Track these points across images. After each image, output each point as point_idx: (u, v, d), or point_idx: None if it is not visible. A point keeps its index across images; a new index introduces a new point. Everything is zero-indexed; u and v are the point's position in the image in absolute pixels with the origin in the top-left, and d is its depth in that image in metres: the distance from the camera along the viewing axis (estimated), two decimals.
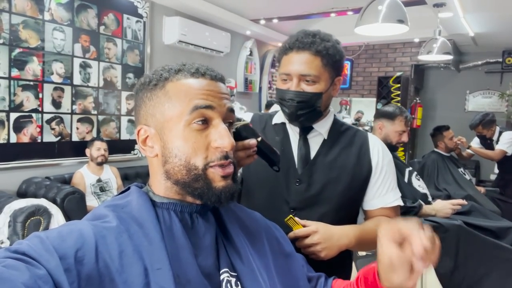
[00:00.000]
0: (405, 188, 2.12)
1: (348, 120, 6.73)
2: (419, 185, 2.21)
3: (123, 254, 0.57)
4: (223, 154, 0.65)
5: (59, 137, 3.20)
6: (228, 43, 4.77)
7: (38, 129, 3.05)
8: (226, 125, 0.67)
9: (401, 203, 1.16)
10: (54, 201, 2.60)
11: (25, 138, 2.96)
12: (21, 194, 2.88)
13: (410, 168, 2.29)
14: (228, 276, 0.65)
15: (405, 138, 2.17)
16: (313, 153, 1.10)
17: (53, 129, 3.15)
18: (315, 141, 1.12)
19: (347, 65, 6.32)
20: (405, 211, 1.99)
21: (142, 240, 0.59)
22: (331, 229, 0.98)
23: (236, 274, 0.66)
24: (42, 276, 0.48)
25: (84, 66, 3.35)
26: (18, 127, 2.92)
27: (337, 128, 1.14)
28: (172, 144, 0.65)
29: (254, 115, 1.21)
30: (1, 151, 2.82)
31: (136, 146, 3.61)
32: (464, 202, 2.12)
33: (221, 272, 0.65)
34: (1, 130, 2.82)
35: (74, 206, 2.66)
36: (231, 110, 0.68)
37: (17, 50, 2.87)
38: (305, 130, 1.11)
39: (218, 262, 0.66)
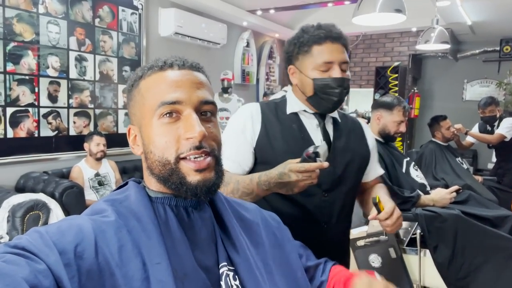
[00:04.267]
0: (402, 178, 2.13)
1: (347, 110, 6.73)
2: (417, 175, 2.22)
3: (122, 249, 0.57)
4: (195, 144, 0.63)
5: (56, 132, 3.19)
6: (225, 34, 4.74)
7: (35, 124, 3.04)
8: (205, 115, 0.66)
9: (383, 172, 1.38)
10: (52, 195, 2.60)
11: (22, 132, 2.95)
12: (19, 189, 2.88)
13: (408, 159, 2.29)
14: (227, 270, 0.65)
15: (403, 128, 2.17)
16: (320, 136, 1.18)
17: (50, 123, 3.14)
18: (328, 127, 1.21)
19: None
20: (403, 201, 1.99)
21: (141, 235, 0.60)
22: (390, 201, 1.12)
23: (233, 268, 0.66)
24: (42, 271, 0.49)
25: (79, 60, 3.32)
26: (15, 122, 2.90)
27: (339, 114, 1.24)
28: (148, 140, 0.65)
29: (261, 104, 1.23)
30: None
31: None
32: (458, 187, 2.15)
33: (220, 266, 0.65)
34: None
35: (73, 201, 2.67)
36: (205, 103, 0.66)
37: (12, 44, 2.84)
38: (323, 117, 1.19)
39: (217, 256, 0.66)
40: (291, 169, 0.92)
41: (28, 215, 2.35)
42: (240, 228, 0.72)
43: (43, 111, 3.08)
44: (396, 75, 5.62)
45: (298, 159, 0.94)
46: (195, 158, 0.63)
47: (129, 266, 0.56)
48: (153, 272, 0.56)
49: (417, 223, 1.91)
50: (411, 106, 5.72)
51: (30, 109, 2.99)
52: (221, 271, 0.64)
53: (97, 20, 3.43)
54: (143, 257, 0.57)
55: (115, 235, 0.58)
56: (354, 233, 2.10)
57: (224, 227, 0.70)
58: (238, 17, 4.95)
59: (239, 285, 0.65)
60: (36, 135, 3.05)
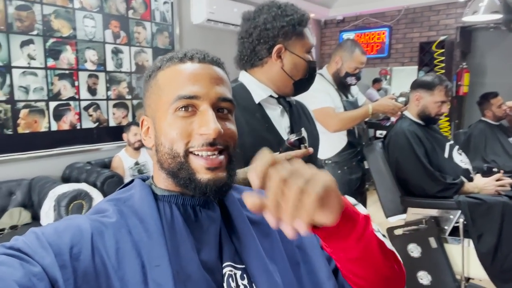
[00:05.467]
0: (445, 163, 1.99)
1: (390, 90, 6.43)
2: (461, 159, 2.06)
3: (120, 251, 0.56)
4: (208, 141, 0.60)
5: (97, 123, 3.32)
6: None
7: (77, 116, 3.17)
8: (222, 112, 0.64)
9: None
10: (94, 185, 2.72)
11: (65, 125, 3.09)
12: (65, 179, 3.03)
13: (451, 142, 2.13)
14: (230, 270, 0.62)
15: (445, 109, 2.02)
16: (287, 123, 1.19)
17: (90, 115, 3.26)
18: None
19: (385, 32, 5.97)
20: (445, 188, 1.87)
21: (142, 235, 0.58)
22: None
23: (242, 267, 0.63)
24: (36, 273, 0.48)
25: (116, 52, 3.40)
26: (58, 115, 3.04)
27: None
28: (160, 132, 0.64)
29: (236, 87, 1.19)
30: (44, 139, 2.97)
31: None
32: (502, 176, 1.94)
33: (223, 266, 0.62)
34: (42, 119, 2.95)
35: (113, 189, 2.76)
36: (223, 99, 0.63)
37: (51, 40, 2.96)
38: (286, 102, 1.19)
39: (221, 256, 0.63)
40: None
41: (72, 204, 2.47)
42: (250, 224, 0.69)
43: (83, 104, 3.20)
44: (443, 50, 5.24)
45: (277, 152, 0.92)
46: (207, 155, 0.61)
47: (126, 269, 0.55)
48: (151, 275, 0.55)
49: (460, 211, 1.78)
50: (459, 83, 5.35)
51: (71, 102, 3.12)
52: (224, 271, 0.62)
53: (130, 11, 3.48)
54: (143, 259, 0.56)
55: (114, 237, 0.57)
56: (392, 221, 2.01)
57: (233, 225, 0.67)
58: None
59: (247, 285, 0.62)
60: (78, 127, 3.18)
